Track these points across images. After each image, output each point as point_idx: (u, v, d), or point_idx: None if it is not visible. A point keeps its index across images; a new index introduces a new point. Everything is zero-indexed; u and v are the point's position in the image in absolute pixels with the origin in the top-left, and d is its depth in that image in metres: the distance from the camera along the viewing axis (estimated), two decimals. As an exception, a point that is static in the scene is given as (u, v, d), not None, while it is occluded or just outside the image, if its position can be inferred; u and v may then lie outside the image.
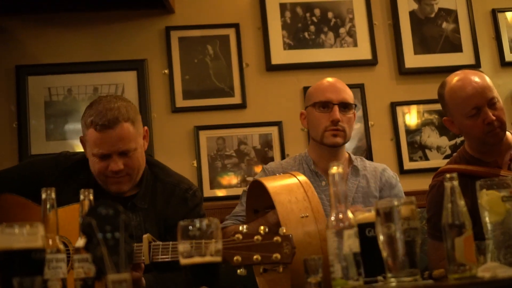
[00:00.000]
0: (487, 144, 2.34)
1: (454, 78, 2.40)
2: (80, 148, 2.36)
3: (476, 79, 2.34)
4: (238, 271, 1.63)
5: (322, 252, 1.62)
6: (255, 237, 1.62)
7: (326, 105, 2.52)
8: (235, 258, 1.60)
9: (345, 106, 2.53)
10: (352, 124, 2.58)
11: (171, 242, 1.88)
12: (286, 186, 1.80)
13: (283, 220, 1.66)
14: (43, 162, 2.41)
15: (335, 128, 2.49)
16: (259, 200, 2.01)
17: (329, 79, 2.63)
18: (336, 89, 2.56)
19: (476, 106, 2.30)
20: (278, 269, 1.63)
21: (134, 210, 2.25)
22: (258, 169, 3.31)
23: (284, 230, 1.62)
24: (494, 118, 2.28)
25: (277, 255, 1.60)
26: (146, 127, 2.35)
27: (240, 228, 1.66)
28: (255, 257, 1.60)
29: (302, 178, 1.85)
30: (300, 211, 1.69)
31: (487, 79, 2.37)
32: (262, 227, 1.64)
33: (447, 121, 2.46)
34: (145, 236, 1.89)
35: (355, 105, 2.60)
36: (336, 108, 2.50)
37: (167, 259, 1.86)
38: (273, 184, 1.81)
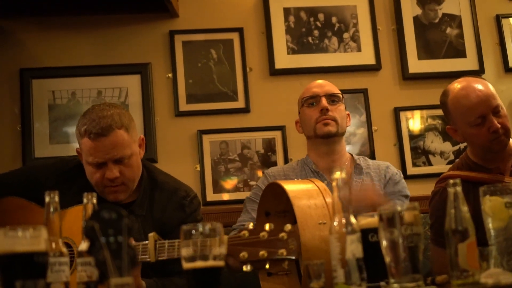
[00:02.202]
0: (492, 152, 2.33)
1: (457, 86, 2.38)
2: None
3: (480, 87, 2.33)
4: (244, 267, 1.63)
5: None
6: (261, 234, 1.62)
7: (313, 98, 2.60)
8: (241, 254, 1.61)
9: (332, 97, 2.60)
10: (344, 116, 2.62)
11: (177, 240, 1.87)
12: (305, 191, 1.79)
13: (301, 224, 1.66)
14: (41, 167, 2.41)
15: (325, 118, 2.54)
16: (272, 203, 2.01)
17: (316, 81, 2.72)
18: (321, 84, 2.66)
19: (481, 115, 2.29)
20: (284, 265, 1.63)
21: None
22: (261, 173, 3.31)
23: (290, 227, 1.62)
24: (499, 126, 2.27)
25: (283, 251, 1.60)
26: (142, 136, 2.35)
27: (246, 225, 1.67)
28: (261, 253, 1.61)
29: (321, 185, 1.85)
30: (318, 217, 1.68)
31: (490, 86, 2.36)
32: (268, 224, 1.64)
33: (450, 129, 2.44)
34: (150, 234, 1.89)
35: (342, 96, 2.64)
36: (323, 99, 2.58)
37: (172, 257, 1.86)
38: (293, 188, 1.80)
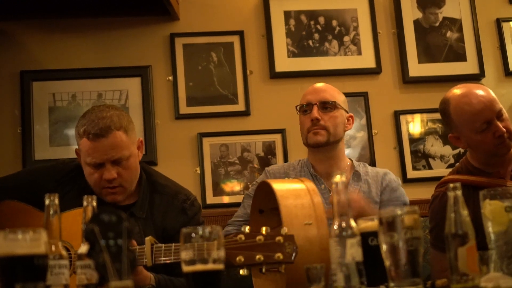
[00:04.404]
0: (497, 156, 2.32)
1: (458, 93, 2.36)
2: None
3: (481, 92, 2.32)
4: (241, 271, 1.63)
5: (320, 261, 1.62)
6: (257, 237, 1.62)
7: (307, 107, 2.59)
8: (237, 258, 1.60)
9: (325, 105, 2.57)
10: (338, 123, 2.58)
11: (173, 244, 1.88)
12: (293, 190, 1.80)
13: (286, 224, 1.66)
14: (40, 171, 2.41)
15: (315, 128, 2.54)
16: (265, 201, 2.01)
17: (315, 84, 2.69)
18: (317, 90, 2.63)
19: (486, 121, 2.27)
20: (280, 269, 1.63)
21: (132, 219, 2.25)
22: (261, 176, 3.31)
23: (286, 230, 1.62)
24: (504, 130, 2.27)
25: (279, 255, 1.60)
26: (141, 138, 2.35)
27: (242, 228, 1.67)
28: (257, 257, 1.60)
29: (310, 185, 1.85)
30: (304, 217, 1.68)
31: (490, 91, 2.35)
32: (264, 228, 1.64)
33: (452, 137, 2.42)
34: (147, 238, 1.90)
35: (335, 102, 2.59)
36: (315, 107, 2.56)
37: (169, 261, 1.87)
38: (281, 187, 1.81)
